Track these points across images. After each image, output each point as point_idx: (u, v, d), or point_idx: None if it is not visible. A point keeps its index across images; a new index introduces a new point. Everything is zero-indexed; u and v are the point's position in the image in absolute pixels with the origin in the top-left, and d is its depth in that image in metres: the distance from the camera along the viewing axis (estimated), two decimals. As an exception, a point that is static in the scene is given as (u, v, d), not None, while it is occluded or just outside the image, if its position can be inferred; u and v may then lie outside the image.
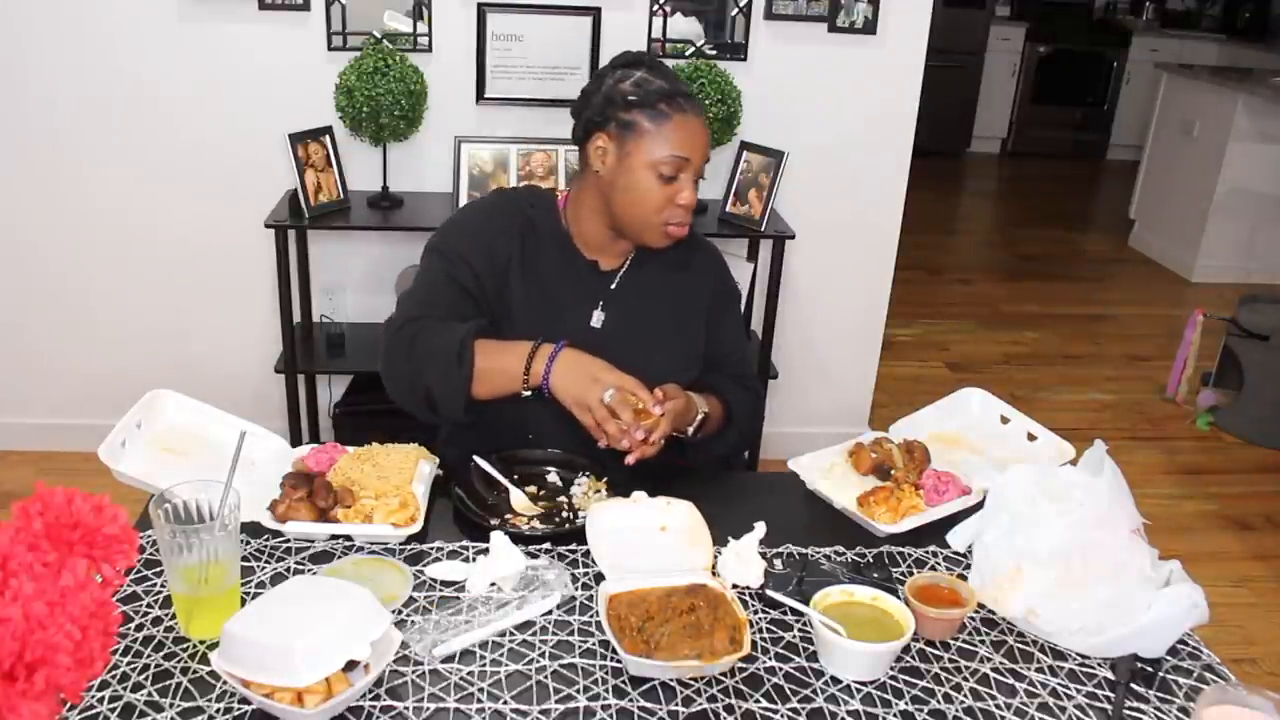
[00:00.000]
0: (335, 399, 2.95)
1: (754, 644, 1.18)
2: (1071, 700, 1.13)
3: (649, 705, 1.08)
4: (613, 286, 1.63)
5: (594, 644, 1.17)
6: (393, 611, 1.17)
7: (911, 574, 1.29)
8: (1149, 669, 1.17)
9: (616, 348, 1.59)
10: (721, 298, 1.73)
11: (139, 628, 1.16)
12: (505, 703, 1.07)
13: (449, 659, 1.13)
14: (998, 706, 1.12)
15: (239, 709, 1.05)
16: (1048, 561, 1.24)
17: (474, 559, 1.31)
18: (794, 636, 1.21)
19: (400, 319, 1.55)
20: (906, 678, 1.15)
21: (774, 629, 1.22)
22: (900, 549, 1.39)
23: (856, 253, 3.07)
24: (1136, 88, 7.60)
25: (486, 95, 2.76)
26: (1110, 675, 1.17)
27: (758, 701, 1.10)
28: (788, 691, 1.12)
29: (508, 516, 1.40)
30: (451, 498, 1.43)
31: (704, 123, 1.55)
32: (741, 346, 1.78)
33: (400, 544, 1.34)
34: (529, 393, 1.49)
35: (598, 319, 1.62)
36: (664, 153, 1.50)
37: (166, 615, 1.18)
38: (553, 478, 1.51)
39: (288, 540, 1.34)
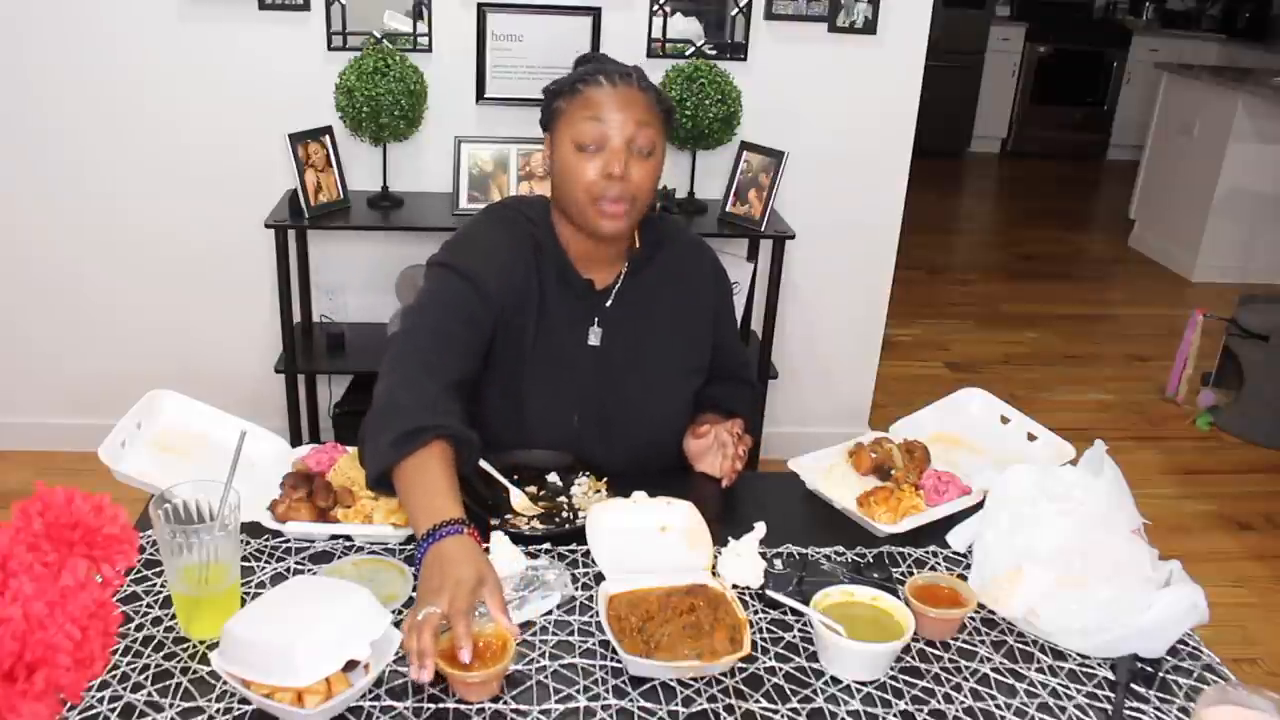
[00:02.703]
0: (335, 399, 2.95)
1: (754, 644, 1.18)
2: (1071, 700, 1.13)
3: (649, 705, 1.08)
4: (608, 304, 1.59)
5: (594, 644, 1.17)
6: (393, 611, 1.17)
7: (911, 574, 1.29)
8: (1149, 669, 1.17)
9: (615, 366, 1.59)
10: (723, 297, 1.72)
11: (139, 628, 1.16)
12: (505, 703, 1.07)
13: (449, 659, 1.13)
14: (998, 706, 1.12)
15: (239, 709, 1.05)
16: (1048, 561, 1.24)
17: (474, 559, 1.30)
18: (794, 636, 1.21)
19: (402, 344, 1.43)
20: (906, 678, 1.15)
21: (774, 629, 1.22)
22: (900, 549, 1.39)
23: (856, 253, 3.07)
24: (1136, 88, 7.61)
25: (486, 95, 2.76)
26: (1110, 675, 1.17)
27: (758, 701, 1.10)
28: (788, 691, 1.12)
29: (508, 516, 1.40)
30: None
31: (635, 93, 1.47)
32: (737, 339, 1.79)
33: (400, 544, 1.34)
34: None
35: (595, 337, 1.59)
36: (578, 124, 1.46)
37: (166, 615, 1.18)
38: (553, 478, 1.51)
39: (288, 540, 1.34)
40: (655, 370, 1.61)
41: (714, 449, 1.56)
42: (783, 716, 1.08)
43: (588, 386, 1.58)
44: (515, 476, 1.48)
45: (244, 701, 1.05)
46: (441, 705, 1.07)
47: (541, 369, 1.56)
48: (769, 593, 1.24)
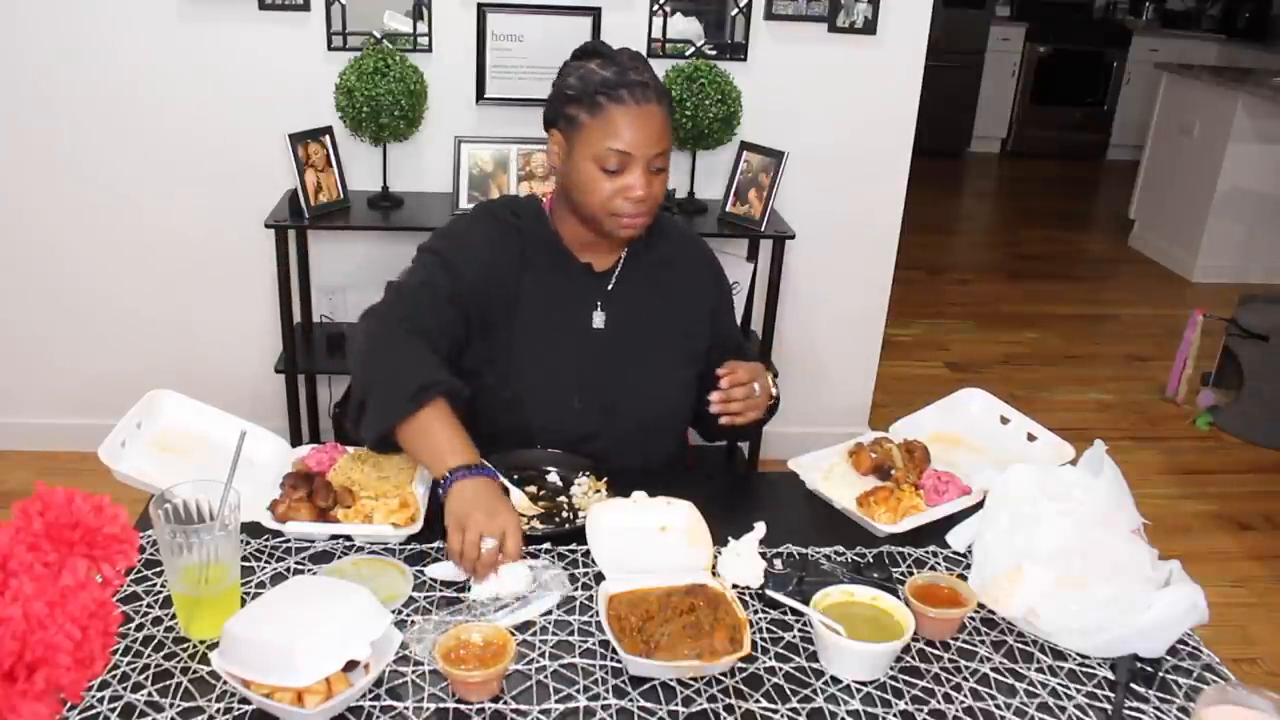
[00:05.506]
0: (335, 399, 2.95)
1: (754, 644, 1.18)
2: (1071, 700, 1.13)
3: (649, 705, 1.08)
4: (610, 287, 1.62)
5: (594, 644, 1.17)
6: (393, 611, 1.17)
7: (911, 574, 1.29)
8: (1149, 669, 1.17)
9: (620, 347, 1.60)
10: (723, 293, 1.75)
11: (139, 628, 1.16)
12: (505, 703, 1.08)
13: (449, 659, 1.13)
14: (998, 706, 1.12)
15: (239, 709, 1.05)
16: (1048, 561, 1.24)
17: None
18: (794, 636, 1.21)
19: (385, 310, 1.51)
20: (906, 678, 1.15)
21: (774, 629, 1.22)
22: (900, 549, 1.39)
23: (856, 253, 3.07)
24: (1136, 88, 7.60)
25: (486, 95, 2.76)
26: (1110, 675, 1.17)
27: (758, 701, 1.10)
28: (788, 691, 1.12)
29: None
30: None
31: (655, 111, 1.48)
32: (739, 334, 1.82)
33: (400, 544, 1.34)
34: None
35: (599, 320, 1.61)
36: (601, 146, 1.46)
37: (166, 615, 1.18)
38: (553, 478, 1.51)
39: (288, 540, 1.34)
40: (658, 352, 1.62)
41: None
42: (783, 716, 1.08)
43: (590, 368, 1.59)
44: (515, 476, 1.48)
45: (244, 701, 1.05)
46: (442, 705, 1.07)
47: (537, 354, 1.58)
48: (769, 593, 1.24)
